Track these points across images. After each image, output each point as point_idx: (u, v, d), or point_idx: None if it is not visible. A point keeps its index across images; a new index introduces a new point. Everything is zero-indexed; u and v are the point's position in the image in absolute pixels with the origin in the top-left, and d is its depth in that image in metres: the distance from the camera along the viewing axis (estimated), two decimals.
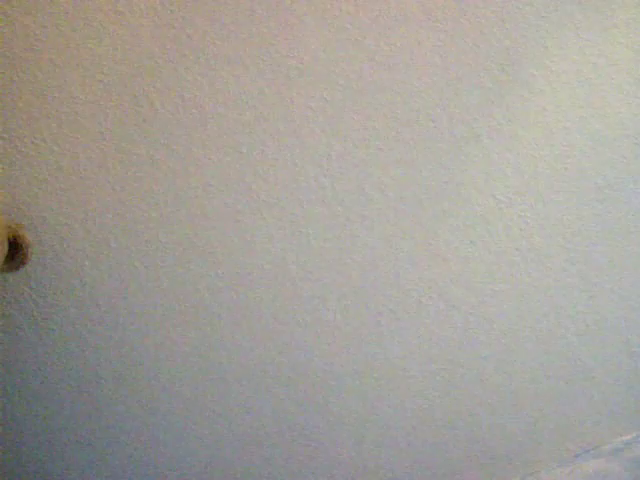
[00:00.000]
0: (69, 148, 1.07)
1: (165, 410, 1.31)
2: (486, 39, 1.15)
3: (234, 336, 1.26)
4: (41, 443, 1.28)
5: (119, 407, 1.27)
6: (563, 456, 1.56)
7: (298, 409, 1.37)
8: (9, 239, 1.07)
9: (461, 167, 1.23)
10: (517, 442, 1.52)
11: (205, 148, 1.12)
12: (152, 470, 1.36)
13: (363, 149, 1.17)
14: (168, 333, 1.23)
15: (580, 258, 1.37)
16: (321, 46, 1.10)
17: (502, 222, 1.30)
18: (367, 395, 1.39)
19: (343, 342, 1.33)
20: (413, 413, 1.44)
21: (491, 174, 1.26)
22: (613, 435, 1.56)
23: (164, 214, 1.14)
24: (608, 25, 1.21)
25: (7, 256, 1.07)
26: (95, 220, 1.12)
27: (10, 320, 1.16)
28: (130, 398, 1.28)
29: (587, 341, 1.46)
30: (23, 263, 1.09)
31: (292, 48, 1.10)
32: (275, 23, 1.08)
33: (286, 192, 1.17)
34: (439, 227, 1.27)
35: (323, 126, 1.14)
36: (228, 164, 1.13)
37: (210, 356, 1.27)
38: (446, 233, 1.28)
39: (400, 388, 1.40)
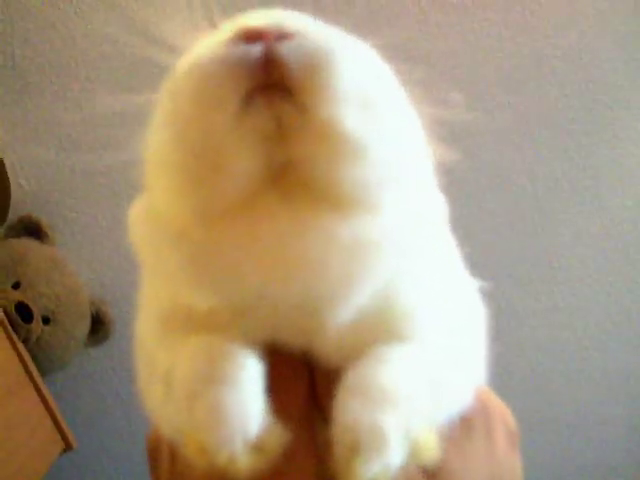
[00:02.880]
0: None
1: None
2: (589, 76, 1.11)
3: None
4: None
5: None
6: None
7: None
8: (92, 314, 1.06)
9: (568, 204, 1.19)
10: None
11: None
12: None
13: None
14: None
15: None
16: None
17: (616, 253, 1.24)
18: None
19: None
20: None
21: (602, 210, 1.21)
22: None
23: None
24: None
25: (90, 331, 1.07)
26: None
27: (92, 393, 1.15)
28: None
29: None
30: (105, 338, 1.08)
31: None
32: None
33: None
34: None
35: None
36: None
37: None
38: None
39: None
